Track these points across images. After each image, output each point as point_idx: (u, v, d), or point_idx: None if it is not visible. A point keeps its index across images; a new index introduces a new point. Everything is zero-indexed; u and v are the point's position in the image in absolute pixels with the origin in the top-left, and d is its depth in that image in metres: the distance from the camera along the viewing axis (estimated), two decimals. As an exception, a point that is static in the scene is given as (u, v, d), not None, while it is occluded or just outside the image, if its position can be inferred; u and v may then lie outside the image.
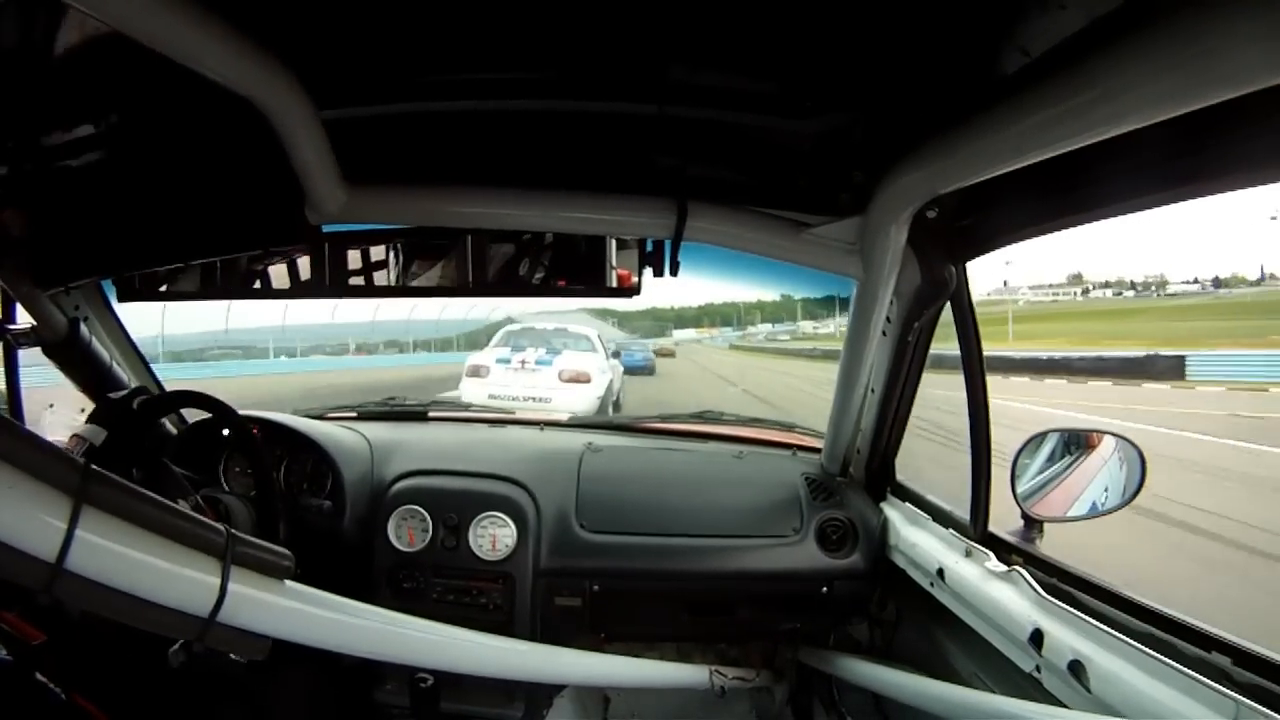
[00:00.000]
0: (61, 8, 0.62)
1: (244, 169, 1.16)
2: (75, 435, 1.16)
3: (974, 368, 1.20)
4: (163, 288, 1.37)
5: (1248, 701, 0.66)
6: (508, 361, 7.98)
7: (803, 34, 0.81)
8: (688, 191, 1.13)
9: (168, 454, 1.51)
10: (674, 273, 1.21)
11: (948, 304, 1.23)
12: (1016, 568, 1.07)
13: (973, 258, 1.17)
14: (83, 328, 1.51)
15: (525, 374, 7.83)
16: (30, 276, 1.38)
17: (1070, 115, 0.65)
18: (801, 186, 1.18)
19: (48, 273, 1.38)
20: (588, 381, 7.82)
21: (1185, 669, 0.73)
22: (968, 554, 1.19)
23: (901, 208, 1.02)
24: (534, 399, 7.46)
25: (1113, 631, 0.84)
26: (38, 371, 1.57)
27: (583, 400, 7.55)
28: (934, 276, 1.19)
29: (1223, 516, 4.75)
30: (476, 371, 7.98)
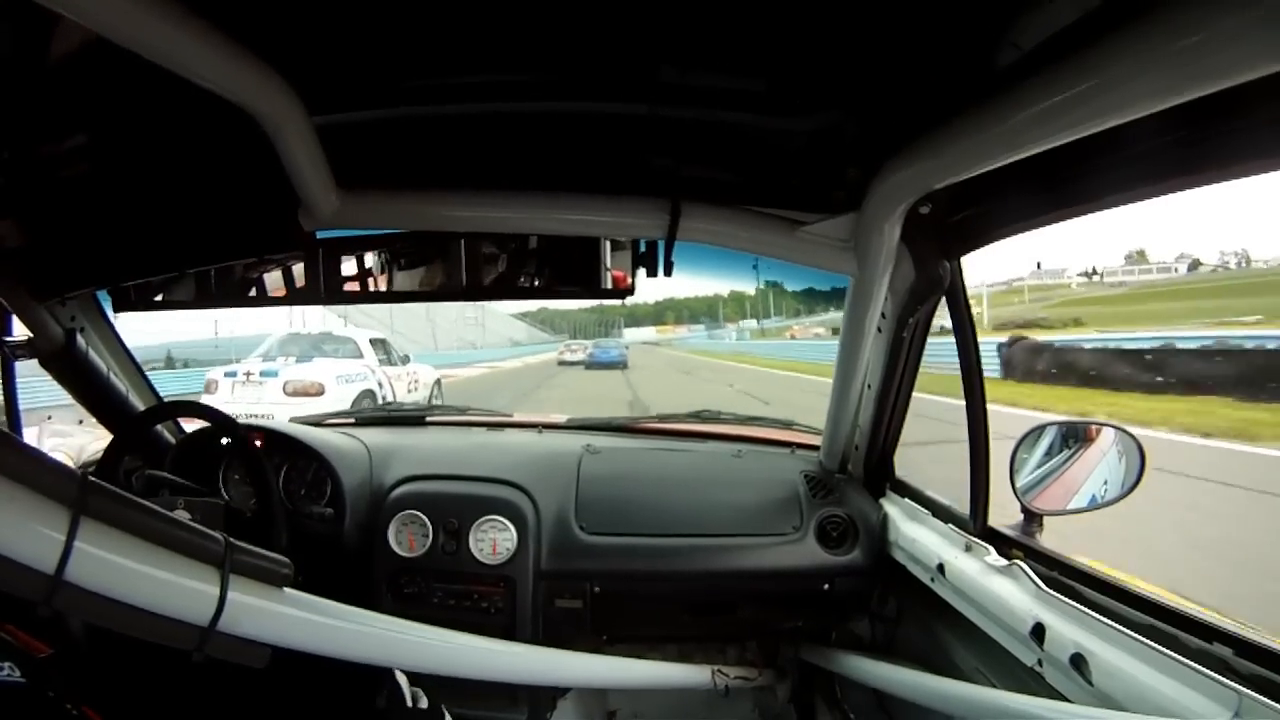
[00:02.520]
0: (54, 17, 0.62)
1: (237, 176, 1.16)
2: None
3: (971, 362, 1.20)
4: (158, 297, 1.38)
5: (1249, 692, 0.66)
6: (234, 375, 7.44)
7: (793, 32, 0.81)
8: (681, 191, 1.12)
9: (165, 464, 1.51)
10: (668, 273, 1.21)
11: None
12: (1017, 562, 1.06)
13: (966, 252, 1.17)
14: (79, 339, 1.51)
15: (250, 388, 7.21)
16: (26, 288, 1.38)
17: (1062, 109, 0.65)
18: (795, 184, 1.17)
19: (43, 284, 1.39)
20: (319, 394, 7.07)
21: (1187, 661, 0.73)
22: (968, 549, 1.19)
23: (895, 204, 1.02)
24: (255, 416, 6.21)
25: (1114, 624, 0.84)
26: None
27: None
28: (928, 272, 1.19)
29: None
30: (207, 388, 7.45)
